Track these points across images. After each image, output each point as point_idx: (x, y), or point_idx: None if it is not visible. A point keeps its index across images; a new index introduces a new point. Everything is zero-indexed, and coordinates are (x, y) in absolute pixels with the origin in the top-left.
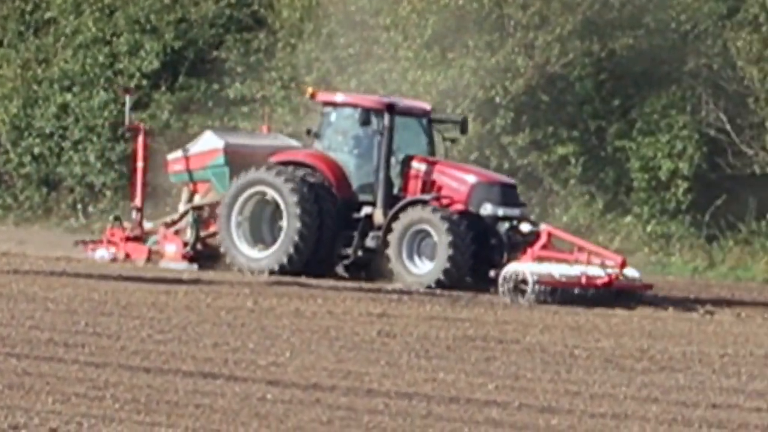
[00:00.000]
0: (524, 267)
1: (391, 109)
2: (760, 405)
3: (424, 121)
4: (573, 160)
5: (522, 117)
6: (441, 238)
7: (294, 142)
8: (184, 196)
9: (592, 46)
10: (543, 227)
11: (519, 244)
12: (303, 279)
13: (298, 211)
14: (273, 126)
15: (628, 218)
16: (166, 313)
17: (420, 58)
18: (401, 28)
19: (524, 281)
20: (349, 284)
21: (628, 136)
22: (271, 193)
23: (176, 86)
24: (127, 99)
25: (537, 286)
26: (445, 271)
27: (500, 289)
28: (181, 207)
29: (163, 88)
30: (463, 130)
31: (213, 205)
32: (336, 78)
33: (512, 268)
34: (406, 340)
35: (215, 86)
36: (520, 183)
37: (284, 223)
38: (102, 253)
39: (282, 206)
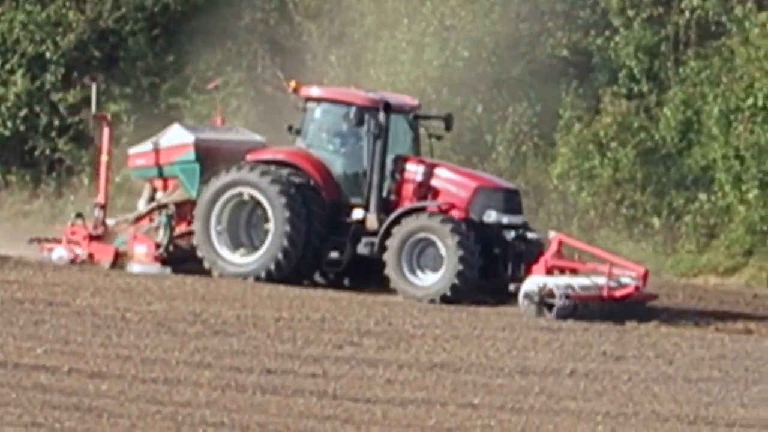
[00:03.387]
0: (549, 280)
1: (388, 107)
2: (316, 371)
3: (410, 117)
4: (125, 118)
5: (73, 73)
6: (449, 249)
7: (258, 137)
8: (146, 193)
9: (145, 1)
10: (553, 235)
11: (523, 254)
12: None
13: (287, 214)
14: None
15: None
16: None
17: None
18: None
19: (551, 295)
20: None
21: (182, 93)
22: (253, 195)
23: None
24: (94, 86)
25: (565, 300)
26: (453, 287)
27: (522, 302)
28: (142, 205)
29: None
30: (448, 126)
31: (180, 204)
32: None
33: (536, 282)
34: None
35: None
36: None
37: (271, 226)
38: (60, 253)
39: (268, 209)
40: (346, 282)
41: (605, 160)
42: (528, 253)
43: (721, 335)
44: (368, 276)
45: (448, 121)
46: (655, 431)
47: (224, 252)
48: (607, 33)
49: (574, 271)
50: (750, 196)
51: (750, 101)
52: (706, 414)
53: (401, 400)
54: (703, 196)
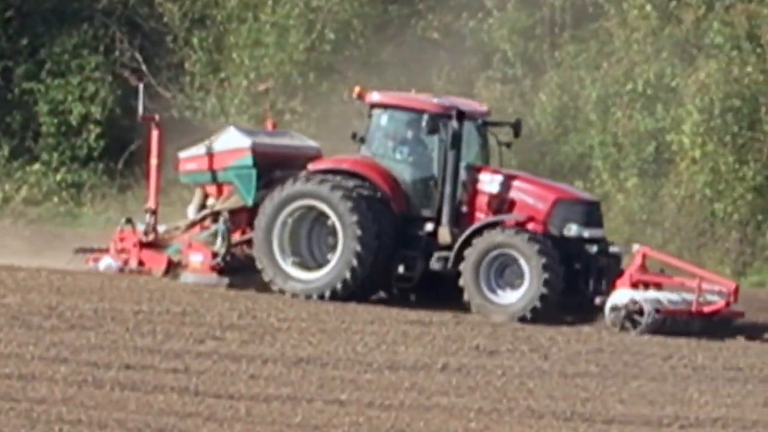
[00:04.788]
0: (637, 295)
1: (461, 114)
2: (177, 366)
3: (479, 123)
4: None
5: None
6: (533, 270)
7: (312, 142)
8: (196, 199)
9: None
10: (637, 248)
11: (605, 269)
12: None
13: (358, 232)
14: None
15: (37, 166)
16: None
17: None
18: None
19: (640, 310)
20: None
21: (37, 78)
22: (321, 209)
23: None
24: (141, 87)
25: (654, 316)
26: (542, 297)
27: (609, 317)
28: (191, 211)
29: None
30: (517, 132)
31: (235, 211)
32: None
33: (623, 296)
34: None
35: None
36: None
37: (339, 243)
38: (108, 262)
39: (337, 225)
40: (413, 298)
41: None
42: (609, 268)
43: (597, 329)
44: (437, 291)
45: (516, 127)
46: (531, 428)
47: (286, 266)
48: (480, 15)
49: (658, 286)
50: (629, 184)
51: (629, 86)
52: (582, 410)
53: (266, 396)
54: (579, 184)
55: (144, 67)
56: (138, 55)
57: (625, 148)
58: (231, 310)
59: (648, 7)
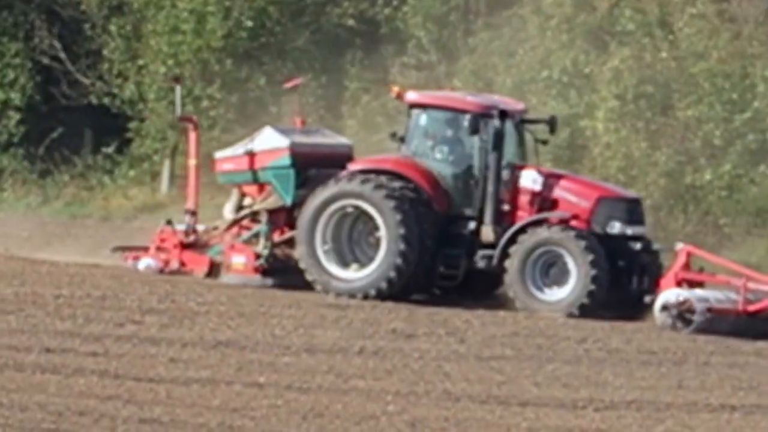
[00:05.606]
0: (688, 293)
1: (504, 114)
2: (97, 349)
3: (517, 121)
4: None
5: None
6: (580, 267)
7: (344, 140)
8: (234, 199)
9: None
10: (680, 246)
11: (648, 266)
12: None
13: (402, 231)
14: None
15: None
16: None
17: None
18: None
19: (690, 309)
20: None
21: None
22: (364, 208)
23: None
24: (178, 88)
25: (706, 315)
26: (590, 293)
27: (659, 315)
28: (228, 211)
29: None
30: (553, 129)
31: (274, 211)
32: None
33: (674, 295)
34: None
35: None
36: None
37: (383, 243)
38: (148, 262)
39: (381, 224)
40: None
41: None
42: (652, 265)
43: (513, 313)
44: (477, 289)
45: (552, 123)
46: (447, 411)
47: (331, 267)
48: (395, 2)
49: (700, 284)
50: None
51: (544, 73)
52: (498, 393)
53: (185, 379)
54: None
55: (63, 55)
56: (57, 43)
57: None
58: (150, 294)
59: None
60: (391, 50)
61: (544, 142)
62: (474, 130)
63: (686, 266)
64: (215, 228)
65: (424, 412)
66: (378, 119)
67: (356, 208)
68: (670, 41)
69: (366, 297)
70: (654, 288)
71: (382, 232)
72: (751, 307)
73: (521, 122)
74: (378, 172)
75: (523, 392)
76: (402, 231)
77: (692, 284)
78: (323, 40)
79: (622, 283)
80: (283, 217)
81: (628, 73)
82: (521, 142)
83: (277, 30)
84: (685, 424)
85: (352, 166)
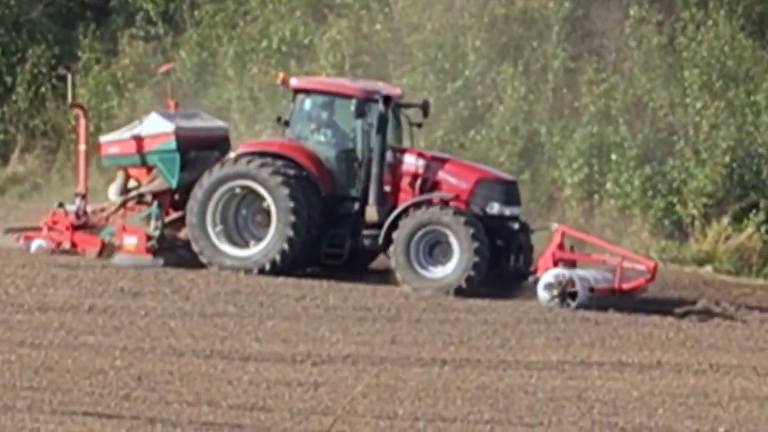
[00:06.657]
0: (568, 272)
1: (387, 99)
2: None
3: (394, 106)
4: None
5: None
6: (462, 242)
7: (221, 123)
8: (119, 181)
9: None
10: (555, 226)
11: (524, 244)
12: None
13: (291, 204)
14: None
15: None
16: None
17: None
18: None
19: (574, 288)
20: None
21: None
22: (252, 187)
23: None
24: (69, 76)
25: (587, 292)
26: (475, 265)
27: (542, 294)
28: (112, 193)
29: None
30: (426, 113)
31: (160, 193)
32: None
33: (556, 275)
34: None
35: None
36: None
37: (273, 218)
38: (40, 243)
39: (269, 201)
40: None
41: (123, 101)
42: (527, 245)
43: (238, 275)
44: (362, 267)
45: (425, 107)
46: (172, 365)
47: (223, 245)
48: None
49: (573, 263)
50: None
51: (264, 43)
52: (221, 348)
53: None
54: None
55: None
56: None
57: (261, 102)
58: None
59: None
60: (120, 22)
61: (419, 125)
62: (360, 114)
63: (561, 246)
64: (102, 210)
65: (150, 366)
66: (108, 88)
67: (244, 188)
68: (385, 13)
69: (261, 271)
70: (530, 266)
71: (272, 209)
72: (627, 285)
73: (398, 106)
74: (264, 154)
75: (244, 347)
76: (291, 204)
77: (567, 263)
78: (56, 13)
79: (501, 261)
80: (169, 199)
81: (346, 43)
82: (398, 126)
83: (11, 3)
84: (398, 377)
85: (241, 149)
